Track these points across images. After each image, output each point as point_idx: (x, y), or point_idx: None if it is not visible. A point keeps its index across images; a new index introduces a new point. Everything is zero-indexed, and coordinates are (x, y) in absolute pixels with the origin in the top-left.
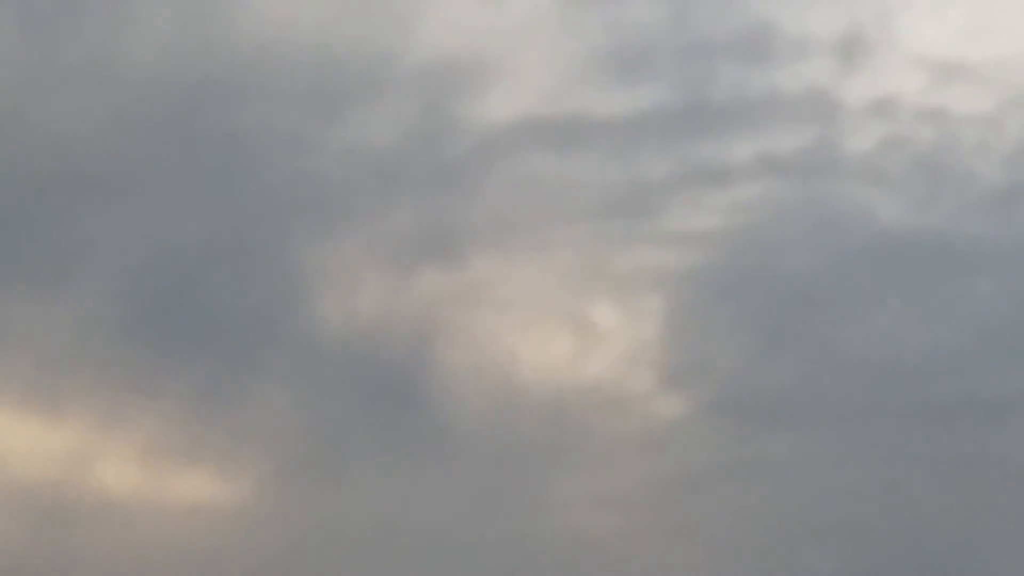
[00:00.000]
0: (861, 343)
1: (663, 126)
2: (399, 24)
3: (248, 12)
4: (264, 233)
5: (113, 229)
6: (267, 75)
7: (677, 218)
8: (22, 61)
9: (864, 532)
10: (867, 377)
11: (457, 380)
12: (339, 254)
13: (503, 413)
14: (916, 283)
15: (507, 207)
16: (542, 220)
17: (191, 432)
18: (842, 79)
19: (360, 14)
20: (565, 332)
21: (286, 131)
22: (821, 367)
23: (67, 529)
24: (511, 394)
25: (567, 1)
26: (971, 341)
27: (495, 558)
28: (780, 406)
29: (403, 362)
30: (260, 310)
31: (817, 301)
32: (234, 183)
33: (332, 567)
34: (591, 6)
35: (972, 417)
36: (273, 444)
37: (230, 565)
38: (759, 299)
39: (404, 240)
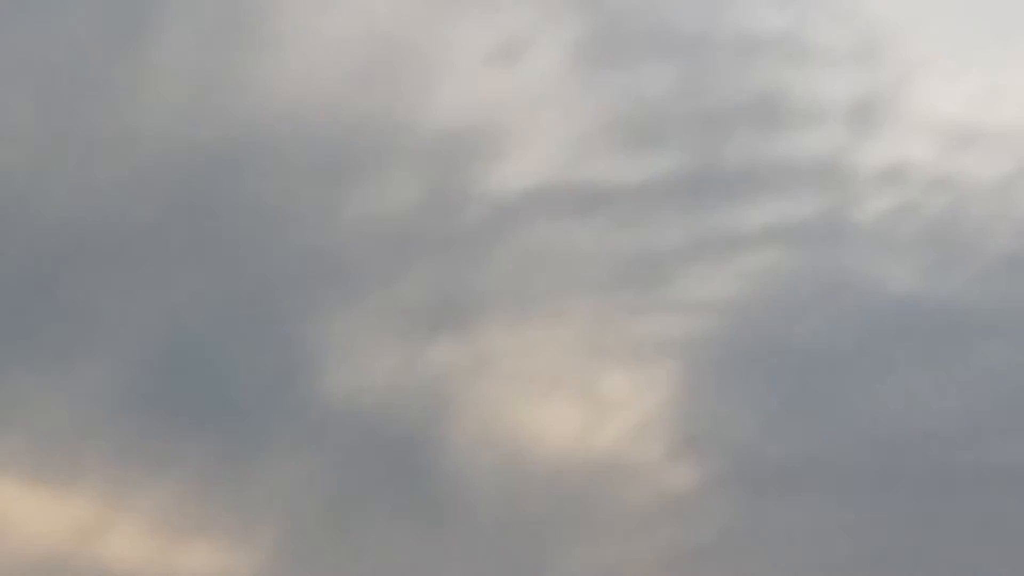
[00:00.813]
0: (873, 412)
1: (674, 194)
2: (411, 92)
3: (260, 82)
4: (275, 304)
5: (124, 301)
6: (278, 145)
7: (689, 287)
8: (35, 133)
9: None
10: (880, 446)
11: (467, 451)
12: (349, 325)
13: (514, 484)
14: (928, 351)
15: (519, 277)
16: (554, 290)
17: (202, 503)
18: (854, 146)
19: (371, 82)
20: (576, 402)
21: (297, 201)
22: (834, 436)
23: None
24: (521, 465)
25: (579, 68)
26: (984, 409)
27: None
28: (793, 475)
29: (413, 433)
30: (271, 381)
31: (829, 370)
32: (245, 254)
33: None
34: (603, 73)
35: (987, 485)
36: (284, 515)
37: None
38: (771, 368)
39: (415, 311)
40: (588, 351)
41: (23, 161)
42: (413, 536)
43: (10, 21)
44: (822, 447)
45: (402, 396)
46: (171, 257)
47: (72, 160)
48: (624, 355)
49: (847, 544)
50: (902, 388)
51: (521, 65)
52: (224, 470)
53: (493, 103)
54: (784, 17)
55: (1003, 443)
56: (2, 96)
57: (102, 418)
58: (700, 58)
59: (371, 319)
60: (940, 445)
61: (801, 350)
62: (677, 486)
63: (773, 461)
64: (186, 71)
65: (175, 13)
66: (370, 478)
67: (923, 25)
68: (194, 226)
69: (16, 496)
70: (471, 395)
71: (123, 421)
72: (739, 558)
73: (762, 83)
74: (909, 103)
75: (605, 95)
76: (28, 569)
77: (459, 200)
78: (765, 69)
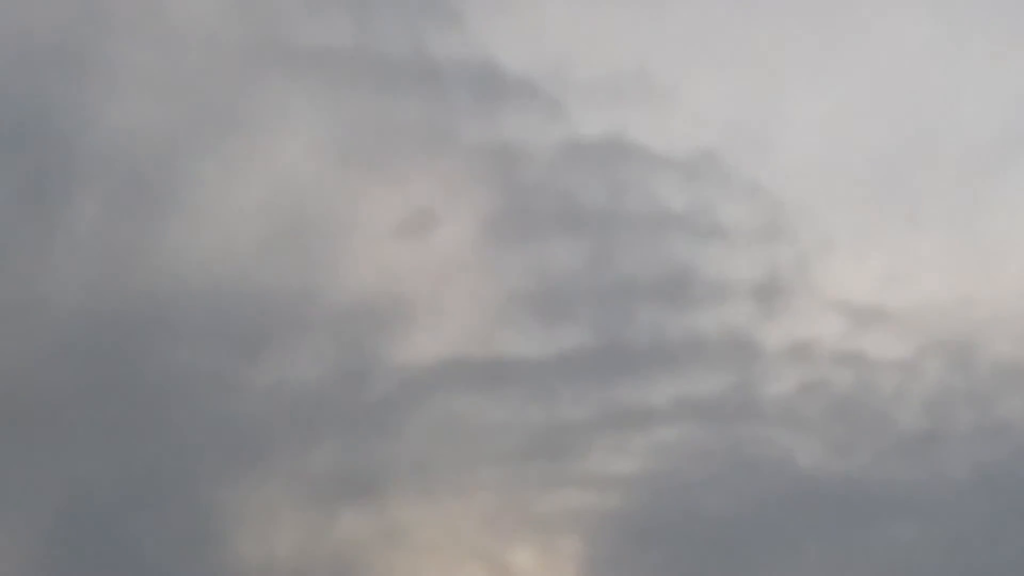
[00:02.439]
0: None
1: (583, 368)
2: (320, 263)
3: (170, 251)
4: (184, 473)
5: (33, 468)
6: (188, 314)
7: (597, 460)
8: None
9: None
10: None
11: None
12: (259, 494)
13: None
14: (835, 528)
15: (428, 448)
16: (462, 462)
17: None
18: (761, 323)
19: (282, 253)
20: (484, 575)
21: (207, 370)
22: None
23: None
24: None
25: (488, 242)
26: None
27: None
28: None
29: None
30: (180, 551)
31: (737, 545)
32: (155, 423)
33: None
34: (512, 247)
35: None
36: None
37: None
38: (679, 543)
39: (324, 481)
40: (497, 523)
41: None
42: None
43: None
44: None
45: (310, 566)
46: (81, 427)
47: None
48: (533, 528)
49: None
50: (810, 565)
51: (431, 237)
52: None
53: (403, 275)
54: (691, 195)
55: None
56: None
57: None
58: (608, 234)
59: (280, 489)
60: None
61: (708, 524)
62: None
63: None
64: (94, 239)
65: (82, 180)
66: None
67: (828, 206)
68: (102, 394)
69: None
70: (380, 566)
71: None
72: None
73: (669, 259)
74: (814, 282)
75: (514, 269)
76: None
77: (368, 371)
78: (672, 246)
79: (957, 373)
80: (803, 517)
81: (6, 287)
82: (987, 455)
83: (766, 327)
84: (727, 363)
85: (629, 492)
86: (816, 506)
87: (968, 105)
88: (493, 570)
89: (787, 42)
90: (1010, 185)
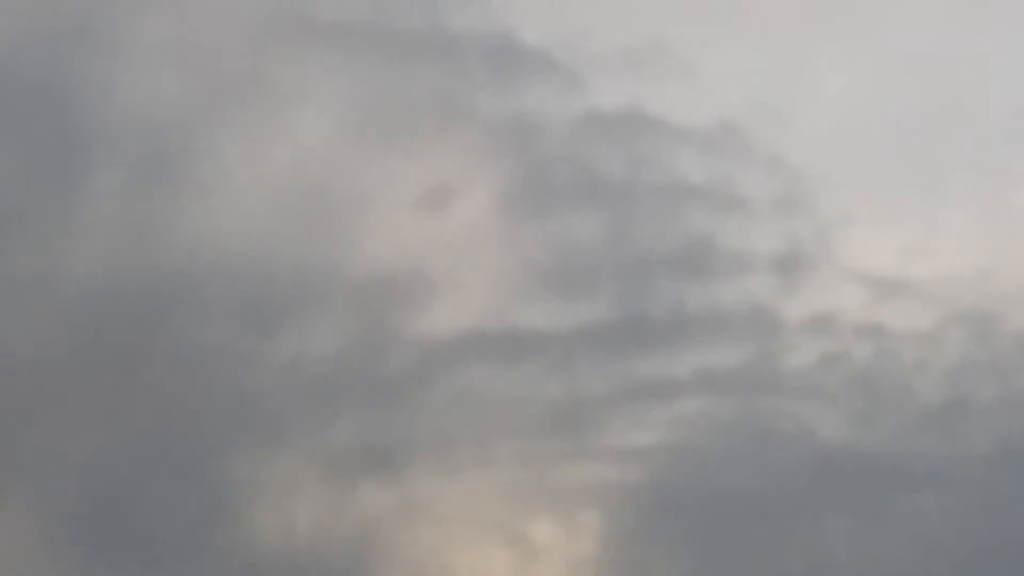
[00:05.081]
0: (801, 559)
1: (603, 341)
2: (339, 237)
3: (187, 225)
4: (203, 449)
5: (51, 445)
6: (207, 289)
7: (617, 433)
8: None
9: None
10: None
11: None
12: (278, 469)
13: None
14: (856, 499)
15: (447, 422)
16: (482, 435)
17: None
18: (782, 295)
19: (300, 227)
20: (504, 548)
21: (226, 346)
22: None
23: None
24: None
25: (507, 216)
26: (911, 556)
27: None
28: None
29: None
30: (199, 527)
31: (758, 518)
32: (174, 399)
33: None
34: (531, 221)
35: None
36: None
37: None
38: (699, 515)
39: (344, 455)
40: (517, 497)
41: None
42: None
43: None
44: None
45: (330, 540)
46: (97, 401)
47: None
48: (553, 501)
49: None
50: (829, 535)
51: (449, 211)
52: None
53: (421, 248)
54: (710, 167)
55: None
56: None
57: (31, 564)
58: (627, 206)
59: (299, 463)
60: None
61: (729, 497)
62: None
63: None
64: (112, 214)
65: (101, 155)
66: None
67: (849, 177)
68: (120, 370)
69: None
70: (399, 540)
71: (53, 568)
72: None
73: (689, 232)
74: (835, 253)
75: (533, 242)
76: None
77: (387, 345)
78: (692, 218)
79: (979, 345)
80: (824, 489)
81: (24, 262)
82: (1009, 426)
83: (787, 299)
84: (747, 335)
85: (649, 465)
86: (837, 478)
87: (992, 76)
88: (513, 543)
89: (808, 13)
90: None
